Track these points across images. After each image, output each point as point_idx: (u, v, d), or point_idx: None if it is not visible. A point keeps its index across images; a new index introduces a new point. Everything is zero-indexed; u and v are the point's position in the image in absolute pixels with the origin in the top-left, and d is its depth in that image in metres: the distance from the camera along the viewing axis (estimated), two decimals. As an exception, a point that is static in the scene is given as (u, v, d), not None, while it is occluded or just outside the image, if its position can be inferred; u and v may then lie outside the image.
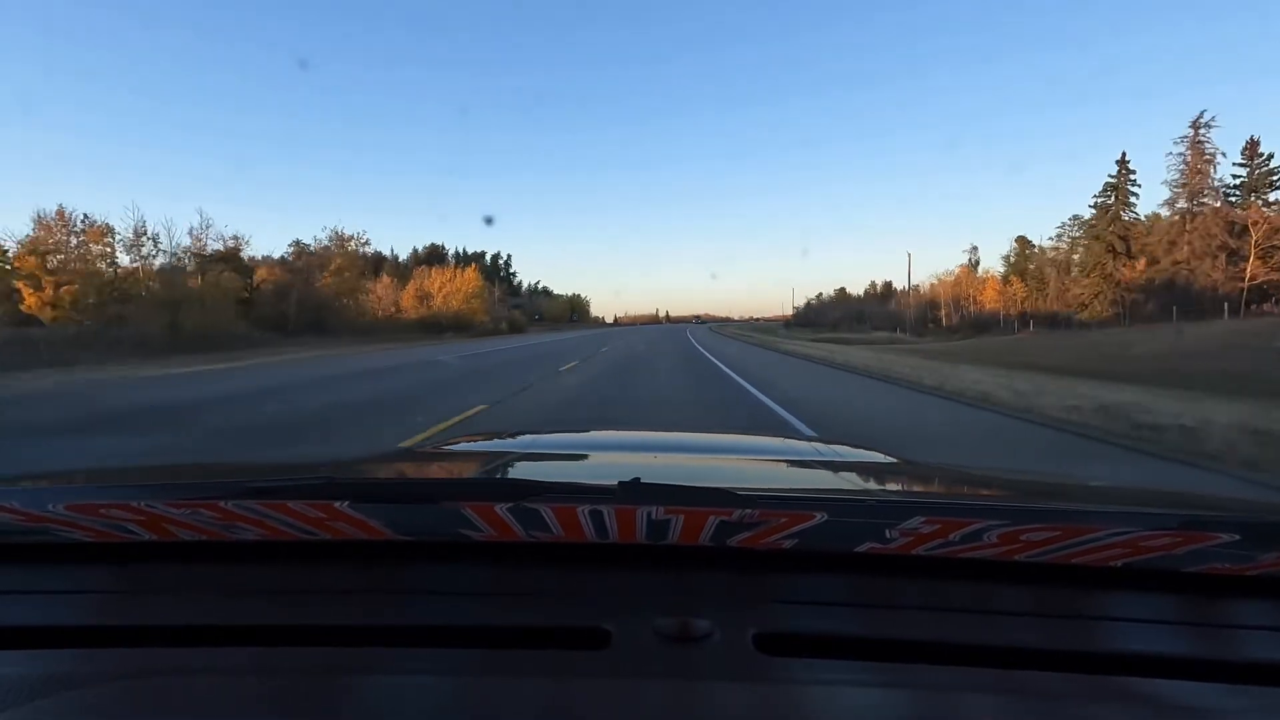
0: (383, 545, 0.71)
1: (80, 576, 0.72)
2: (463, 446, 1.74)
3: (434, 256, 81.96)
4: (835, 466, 1.41)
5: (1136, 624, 0.63)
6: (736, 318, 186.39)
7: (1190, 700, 0.54)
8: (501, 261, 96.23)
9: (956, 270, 73.78)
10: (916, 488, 1.23)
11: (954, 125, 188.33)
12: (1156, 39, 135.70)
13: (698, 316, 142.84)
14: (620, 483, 0.73)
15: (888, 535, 0.68)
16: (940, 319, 65.97)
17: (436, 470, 1.36)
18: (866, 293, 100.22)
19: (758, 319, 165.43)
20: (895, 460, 1.45)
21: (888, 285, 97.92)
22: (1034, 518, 0.74)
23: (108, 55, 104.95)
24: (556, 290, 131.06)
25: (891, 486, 1.23)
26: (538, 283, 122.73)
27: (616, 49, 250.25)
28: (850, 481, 1.23)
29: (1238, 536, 0.70)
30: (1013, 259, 67.09)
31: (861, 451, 1.68)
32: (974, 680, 0.55)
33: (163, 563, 0.72)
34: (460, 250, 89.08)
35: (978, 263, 77.70)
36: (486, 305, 62.34)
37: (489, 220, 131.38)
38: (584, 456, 1.60)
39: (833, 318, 76.80)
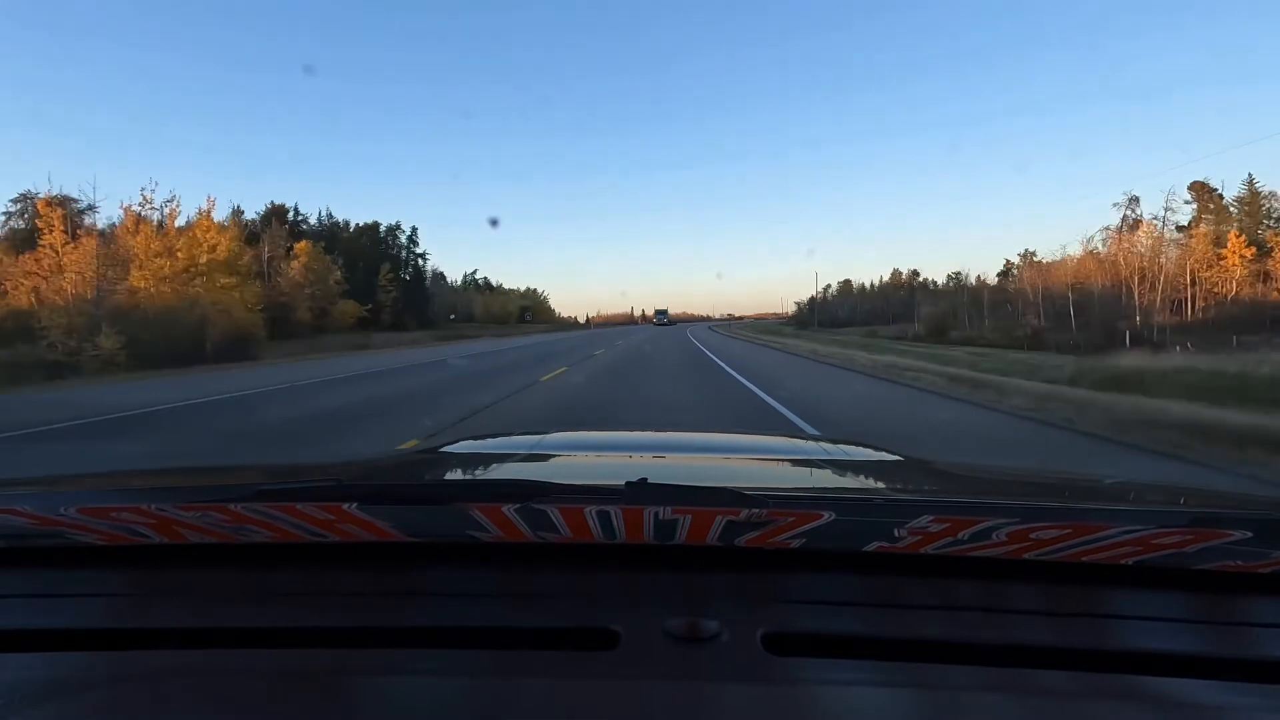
0: (391, 547, 0.71)
1: (91, 579, 0.72)
2: (470, 447, 1.68)
3: (277, 221, 50.86)
4: (842, 466, 1.40)
5: (1148, 622, 0.63)
6: (719, 316, 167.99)
7: (1202, 699, 0.53)
8: (402, 238, 64.99)
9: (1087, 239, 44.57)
10: (924, 486, 1.21)
11: (952, 123, 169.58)
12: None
13: (662, 312, 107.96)
14: (627, 483, 0.73)
15: (896, 534, 0.67)
16: (1134, 310, 35.86)
17: (444, 472, 1.36)
18: (886, 284, 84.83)
19: (740, 316, 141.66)
20: (902, 459, 1.42)
21: (914, 274, 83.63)
22: (1043, 516, 0.74)
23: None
24: (527, 287, 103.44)
25: (899, 485, 1.22)
26: (474, 272, 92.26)
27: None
28: (858, 480, 1.23)
29: (1250, 534, 0.69)
30: (1170, 212, 38.13)
31: (869, 450, 1.63)
32: (984, 680, 0.54)
33: (173, 565, 0.72)
34: (325, 215, 58.22)
35: (1137, 223, 47.40)
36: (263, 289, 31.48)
37: (494, 222, 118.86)
38: (590, 457, 1.58)
39: (933, 312, 46.79)
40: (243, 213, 50.59)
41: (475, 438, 2.02)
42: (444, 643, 0.59)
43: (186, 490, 0.95)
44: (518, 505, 0.70)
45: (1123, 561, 0.65)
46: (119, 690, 0.53)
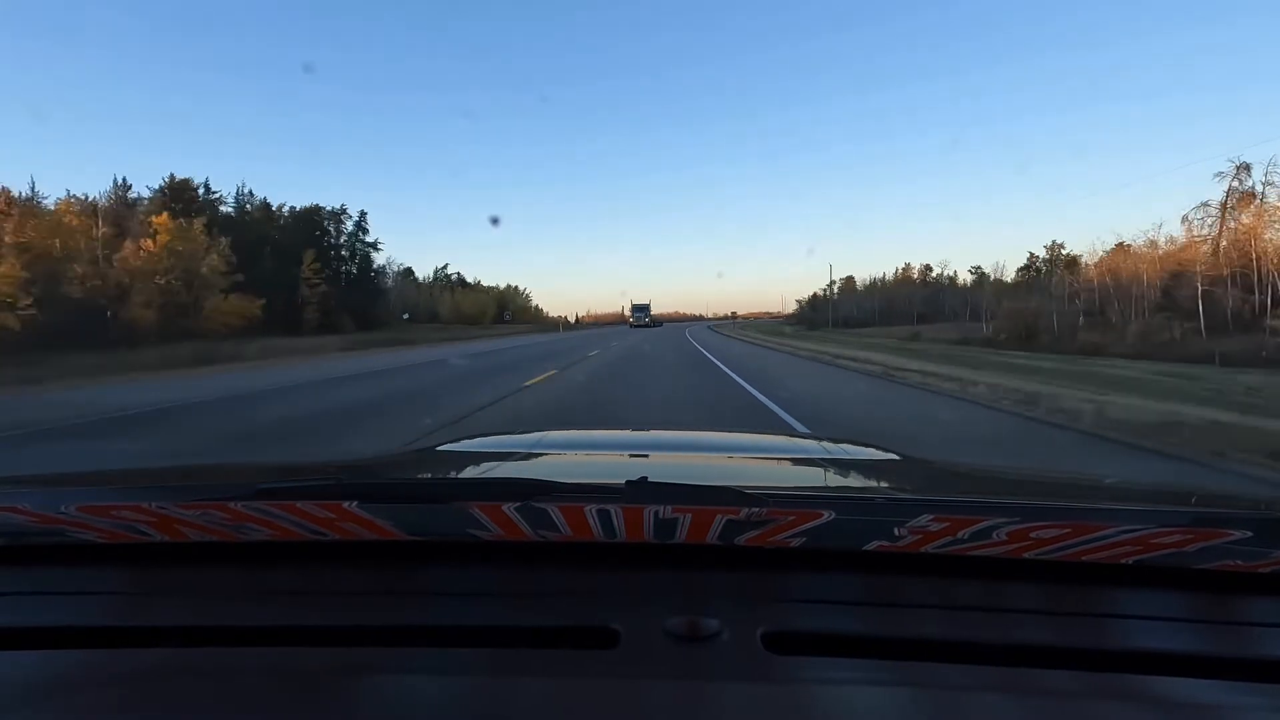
0: (392, 546, 0.71)
1: (92, 577, 0.72)
2: (470, 446, 1.67)
3: (178, 200, 41.33)
4: (842, 465, 1.39)
5: (1148, 622, 0.62)
6: (711, 315, 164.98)
7: (1202, 698, 0.53)
8: (348, 225, 55.10)
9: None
10: (925, 485, 1.20)
11: (950, 124, 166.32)
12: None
13: (641, 308, 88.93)
14: (628, 481, 0.73)
15: (896, 533, 0.67)
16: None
17: (445, 470, 1.35)
18: (897, 279, 79.66)
19: (738, 315, 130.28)
20: (902, 458, 1.42)
21: (927, 269, 78.29)
22: (1044, 515, 0.73)
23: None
24: (514, 285, 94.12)
25: (899, 484, 1.22)
26: (444, 267, 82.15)
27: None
28: (858, 479, 1.23)
29: (1250, 533, 0.69)
30: (1270, 185, 29.17)
31: (868, 449, 1.62)
32: (984, 679, 0.54)
33: (174, 564, 0.73)
34: (245, 192, 48.64)
35: (1253, 193, 36.50)
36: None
37: (494, 220, 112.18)
38: (591, 456, 1.58)
39: (1017, 309, 35.30)
40: (129, 186, 40.67)
41: (475, 436, 2.10)
42: (444, 641, 0.59)
43: (187, 489, 0.94)
44: (518, 504, 0.70)
45: (1123, 561, 0.65)
46: (119, 688, 0.53)
